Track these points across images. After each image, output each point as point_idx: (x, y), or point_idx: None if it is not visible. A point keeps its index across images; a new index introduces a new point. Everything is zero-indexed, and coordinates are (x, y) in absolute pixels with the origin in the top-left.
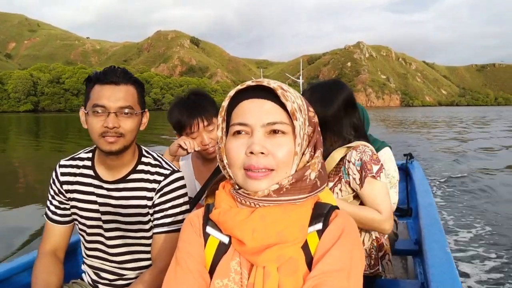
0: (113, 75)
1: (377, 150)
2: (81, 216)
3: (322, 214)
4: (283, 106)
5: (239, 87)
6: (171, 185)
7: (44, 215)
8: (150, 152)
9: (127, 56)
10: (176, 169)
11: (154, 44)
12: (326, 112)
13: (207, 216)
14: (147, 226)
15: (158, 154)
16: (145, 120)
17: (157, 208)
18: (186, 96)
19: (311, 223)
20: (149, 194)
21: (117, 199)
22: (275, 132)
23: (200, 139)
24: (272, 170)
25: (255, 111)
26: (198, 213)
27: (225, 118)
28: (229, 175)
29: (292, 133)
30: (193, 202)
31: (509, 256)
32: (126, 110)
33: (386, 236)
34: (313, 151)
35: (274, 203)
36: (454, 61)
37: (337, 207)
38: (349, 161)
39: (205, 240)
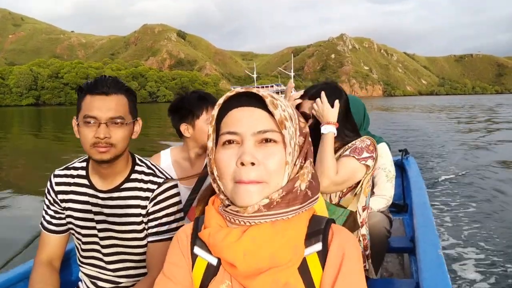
0: (104, 85)
1: None
2: (76, 225)
3: (319, 231)
4: (273, 115)
5: (228, 94)
6: (165, 193)
7: (40, 225)
8: (144, 160)
9: (114, 50)
10: (169, 177)
11: (141, 38)
12: None
13: (196, 233)
14: (141, 235)
15: (152, 163)
16: (137, 128)
17: (151, 217)
18: (191, 91)
19: (309, 242)
20: (142, 203)
21: (111, 208)
22: (266, 141)
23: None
24: (264, 182)
25: (245, 119)
26: (186, 230)
27: (215, 128)
28: (219, 188)
29: (283, 142)
30: (185, 208)
31: (500, 255)
32: (117, 120)
33: (368, 237)
34: (303, 161)
35: (265, 219)
36: (433, 52)
37: (333, 220)
38: (347, 146)
39: (192, 261)
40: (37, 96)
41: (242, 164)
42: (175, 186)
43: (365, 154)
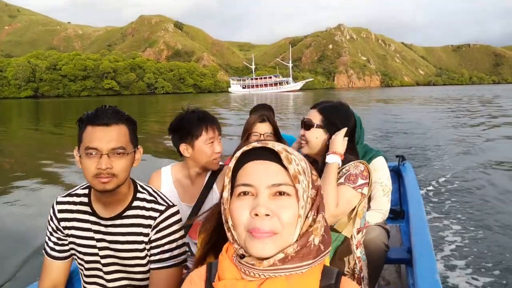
0: (104, 116)
1: (371, 158)
2: (79, 252)
3: (330, 285)
4: (287, 168)
5: (245, 148)
6: (167, 221)
7: (43, 251)
8: (145, 187)
9: (111, 41)
10: (171, 203)
11: (138, 29)
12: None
13: (210, 281)
14: (144, 261)
15: (154, 189)
16: (138, 156)
17: (153, 244)
18: (190, 111)
19: None
20: (145, 230)
21: (113, 235)
22: (280, 193)
23: (213, 147)
24: (277, 233)
25: (260, 173)
26: (200, 275)
27: (231, 179)
28: (233, 238)
29: (296, 196)
30: (187, 227)
31: (496, 268)
32: (118, 151)
33: (364, 257)
34: (315, 214)
35: (280, 273)
36: (431, 42)
37: (342, 273)
38: (341, 169)
39: None
40: (35, 88)
41: (256, 215)
42: (177, 212)
43: (360, 181)
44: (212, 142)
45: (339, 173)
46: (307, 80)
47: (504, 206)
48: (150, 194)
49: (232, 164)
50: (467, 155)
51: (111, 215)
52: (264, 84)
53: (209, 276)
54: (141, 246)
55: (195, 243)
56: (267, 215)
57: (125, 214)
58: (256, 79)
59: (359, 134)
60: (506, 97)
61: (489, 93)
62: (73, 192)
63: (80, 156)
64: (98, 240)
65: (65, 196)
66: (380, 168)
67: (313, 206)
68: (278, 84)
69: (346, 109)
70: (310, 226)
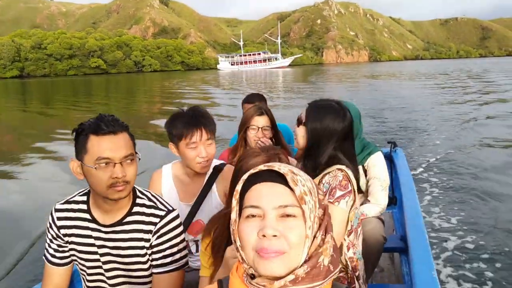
0: (108, 124)
1: (370, 154)
2: (80, 258)
3: None
4: (293, 189)
5: (252, 171)
6: (167, 226)
7: (44, 257)
8: (144, 192)
9: (95, 19)
10: (171, 208)
11: (123, 5)
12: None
13: None
14: (146, 266)
15: (153, 194)
16: (137, 163)
17: (155, 249)
18: (187, 110)
19: None
20: (146, 236)
21: (115, 241)
22: (287, 215)
23: (197, 151)
24: (285, 252)
25: (267, 194)
26: None
27: (238, 200)
28: (242, 258)
29: (303, 216)
30: (185, 225)
31: (490, 252)
32: (129, 158)
33: (359, 256)
34: (324, 234)
35: None
36: (419, 16)
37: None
38: (321, 182)
39: None
40: (21, 68)
41: (264, 236)
42: (177, 217)
43: (338, 193)
44: (196, 146)
45: (319, 183)
46: (296, 56)
47: (496, 187)
48: (149, 199)
49: (239, 186)
50: (457, 134)
51: (111, 222)
52: (253, 61)
53: None
54: (142, 252)
55: (194, 240)
56: (275, 236)
57: (125, 220)
58: (245, 55)
59: (357, 128)
60: (494, 72)
61: (477, 67)
62: (71, 199)
63: (84, 166)
64: (99, 247)
65: (63, 203)
66: (378, 164)
67: (321, 226)
68: (267, 61)
69: (334, 110)
70: (319, 246)
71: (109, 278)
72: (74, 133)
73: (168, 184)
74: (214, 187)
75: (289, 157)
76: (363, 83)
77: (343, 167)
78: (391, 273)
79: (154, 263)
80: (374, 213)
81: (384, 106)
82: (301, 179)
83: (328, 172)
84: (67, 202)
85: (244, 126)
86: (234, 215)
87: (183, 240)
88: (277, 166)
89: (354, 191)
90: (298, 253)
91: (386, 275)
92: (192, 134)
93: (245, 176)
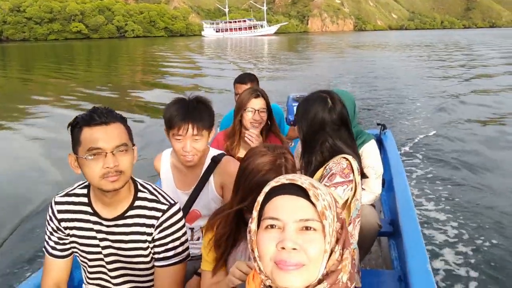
0: (101, 115)
1: (363, 143)
2: (82, 251)
3: None
4: (314, 204)
5: (273, 184)
6: (170, 220)
7: (44, 249)
8: (145, 185)
9: None
10: (173, 202)
11: None
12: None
13: None
14: (148, 259)
15: (154, 187)
16: (135, 153)
17: (157, 243)
18: (188, 98)
19: None
20: (148, 230)
21: (116, 235)
22: (306, 228)
23: (182, 144)
24: (304, 265)
25: (288, 207)
26: None
27: (259, 212)
28: (259, 268)
29: (322, 231)
30: (184, 213)
31: (479, 233)
32: (122, 148)
33: (358, 250)
34: (342, 249)
35: None
36: None
37: None
38: (324, 168)
39: None
40: None
41: (283, 248)
42: (179, 210)
43: (337, 179)
44: (181, 139)
45: (323, 170)
46: (281, 24)
47: (484, 163)
48: (151, 193)
49: (261, 198)
50: (443, 110)
51: (113, 216)
52: (238, 28)
53: None
54: (144, 245)
55: (190, 228)
56: (294, 249)
57: (127, 214)
58: (230, 22)
59: (352, 116)
60: (479, 44)
61: (462, 39)
62: (71, 192)
63: (78, 159)
64: (101, 240)
65: (63, 196)
66: (372, 153)
67: (339, 241)
68: (252, 28)
69: (321, 100)
70: (338, 261)
71: (111, 270)
72: (70, 127)
73: (165, 170)
74: (211, 178)
75: (282, 137)
76: (349, 54)
77: (349, 157)
78: (378, 256)
79: (156, 256)
80: (368, 201)
81: (369, 81)
82: (321, 193)
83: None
84: (67, 194)
85: (241, 109)
86: (254, 226)
87: (185, 233)
88: (299, 180)
89: (356, 182)
90: (317, 267)
91: (374, 257)
92: (179, 127)
93: (266, 189)
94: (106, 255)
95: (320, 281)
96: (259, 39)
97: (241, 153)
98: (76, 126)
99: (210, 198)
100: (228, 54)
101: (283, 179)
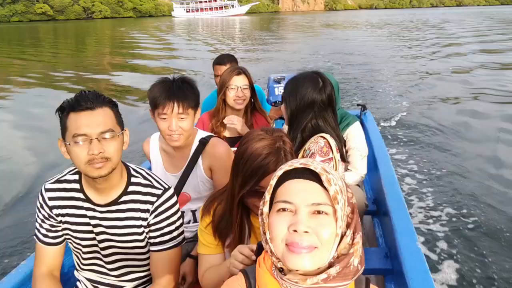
0: (87, 100)
1: (348, 125)
2: (75, 237)
3: None
4: (327, 189)
5: (287, 167)
6: (165, 205)
7: (35, 237)
8: (138, 170)
9: None
10: (167, 186)
11: None
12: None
13: None
14: (143, 243)
15: (147, 171)
16: (126, 138)
17: (152, 228)
18: (173, 78)
19: None
20: (143, 215)
21: (110, 221)
22: (319, 212)
23: (168, 123)
24: (316, 248)
25: (301, 191)
26: (240, 284)
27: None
28: (271, 250)
29: (334, 215)
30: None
31: (458, 206)
32: (108, 134)
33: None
34: (354, 234)
35: None
36: None
37: (369, 280)
38: (304, 149)
39: None
40: None
41: (295, 231)
42: (173, 194)
43: (318, 159)
44: (166, 118)
45: (303, 152)
46: (252, 4)
47: (460, 139)
48: (145, 178)
49: (273, 181)
50: (417, 89)
51: (107, 202)
52: (209, 8)
53: (249, 286)
54: (139, 230)
55: (181, 212)
56: (306, 232)
57: (121, 200)
58: (201, 2)
59: (336, 98)
60: (450, 22)
61: (433, 18)
62: (62, 178)
63: (66, 145)
64: (95, 226)
65: (53, 183)
66: (357, 134)
67: (351, 225)
68: (223, 8)
69: (311, 80)
70: (349, 245)
71: (106, 256)
72: (57, 113)
73: (155, 153)
74: (199, 160)
75: (266, 115)
76: (323, 33)
77: (325, 135)
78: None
79: (152, 241)
80: (354, 181)
81: (345, 61)
82: (333, 178)
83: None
84: (58, 181)
85: (223, 87)
86: (266, 208)
87: (180, 217)
88: (312, 165)
89: (335, 160)
90: (328, 250)
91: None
92: (164, 106)
93: (279, 172)
94: (100, 241)
95: (331, 265)
96: (231, 19)
97: (227, 132)
98: (63, 112)
99: (199, 180)
100: (201, 35)
101: (296, 163)
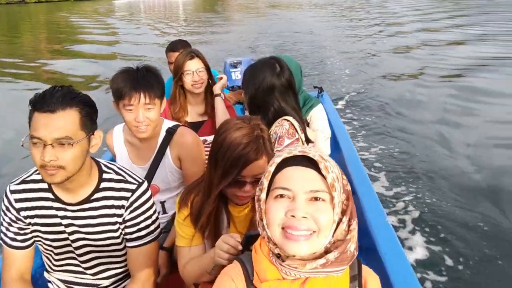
0: (51, 100)
1: (312, 107)
2: (46, 239)
3: (355, 276)
4: (325, 177)
5: (286, 155)
6: (140, 199)
7: (1, 242)
8: (110, 166)
9: None
10: (141, 180)
11: None
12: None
13: (249, 280)
14: (118, 240)
15: (119, 166)
16: (95, 141)
17: (128, 224)
18: (136, 67)
19: (351, 285)
20: (118, 211)
21: (83, 219)
22: (316, 199)
23: (135, 114)
24: (314, 232)
25: (299, 178)
26: (238, 272)
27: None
28: (268, 236)
29: (331, 202)
30: None
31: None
32: (63, 141)
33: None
34: (350, 221)
35: (320, 275)
36: None
37: (360, 261)
38: (269, 133)
39: None
40: None
41: (293, 216)
42: (148, 188)
43: (286, 141)
44: (133, 109)
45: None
46: None
47: (412, 116)
48: (117, 173)
49: (272, 168)
50: (366, 68)
51: (78, 200)
52: None
53: (247, 274)
54: (115, 227)
55: None
56: (304, 217)
57: (93, 197)
58: None
59: (299, 81)
60: (391, 2)
61: None
62: (28, 178)
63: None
64: (67, 226)
65: (19, 184)
66: (320, 116)
67: (346, 212)
68: None
69: (269, 66)
70: (346, 232)
71: (80, 255)
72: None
73: (119, 145)
74: (167, 150)
75: (226, 98)
76: (268, 14)
77: (288, 117)
78: None
79: (128, 237)
80: None
81: (293, 42)
82: (330, 166)
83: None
84: (24, 182)
85: (178, 73)
86: (264, 195)
87: (155, 210)
88: (311, 153)
89: (302, 140)
90: (325, 235)
91: None
92: (130, 97)
93: (278, 160)
94: (73, 241)
95: (327, 250)
96: (173, 1)
97: (189, 117)
98: (31, 107)
99: (168, 171)
100: (145, 18)
101: (295, 150)
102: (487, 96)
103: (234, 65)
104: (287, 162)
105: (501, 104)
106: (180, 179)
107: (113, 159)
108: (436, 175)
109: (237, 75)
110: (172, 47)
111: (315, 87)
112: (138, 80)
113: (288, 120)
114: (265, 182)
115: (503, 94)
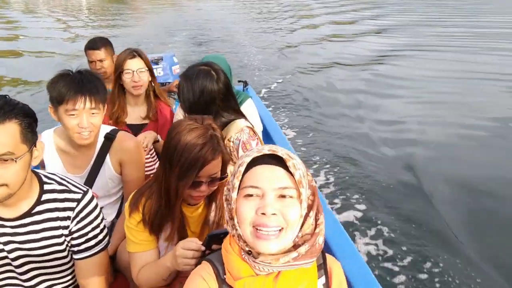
0: None
1: (241, 102)
2: None
3: (321, 266)
4: (290, 172)
5: (256, 154)
6: (87, 209)
7: None
8: (51, 176)
9: None
10: (86, 189)
11: None
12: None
13: (221, 278)
14: (64, 253)
15: (61, 176)
16: (37, 153)
17: (76, 235)
18: (79, 71)
19: (319, 274)
20: (63, 223)
21: (24, 235)
22: (284, 196)
23: (78, 120)
24: (282, 229)
25: (267, 176)
26: (209, 271)
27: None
28: (238, 234)
29: (299, 198)
30: None
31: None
32: (5, 157)
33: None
34: (317, 215)
35: (291, 267)
36: None
37: (324, 251)
38: (228, 140)
39: None
40: None
41: (263, 214)
42: (93, 196)
43: (253, 143)
44: (76, 115)
45: (229, 141)
46: None
47: (332, 105)
48: (59, 183)
49: (243, 168)
50: (283, 60)
51: (17, 215)
52: None
53: (218, 273)
54: (60, 240)
55: None
56: (274, 214)
57: (34, 211)
58: None
59: (230, 79)
60: None
61: None
62: None
63: None
64: (5, 243)
65: None
66: (251, 112)
67: (313, 207)
68: None
69: (205, 74)
70: (314, 226)
71: (22, 273)
72: None
73: (50, 153)
74: (107, 159)
75: (168, 101)
76: (176, 4)
77: (246, 122)
78: None
79: (76, 248)
80: None
81: (208, 35)
82: (297, 163)
83: (233, 132)
84: None
85: (117, 71)
86: (235, 194)
87: (103, 218)
88: (280, 152)
89: (260, 139)
90: (293, 231)
91: None
92: (75, 101)
93: (247, 159)
94: (13, 259)
95: (296, 245)
96: None
97: (128, 118)
98: None
99: (108, 178)
100: (44, 9)
101: (264, 150)
102: (399, 80)
103: (156, 62)
104: (255, 162)
105: (410, 88)
106: (119, 185)
107: (39, 168)
108: (353, 158)
109: (159, 71)
110: (92, 45)
111: (239, 81)
112: (84, 84)
113: (248, 126)
114: (236, 182)
115: (412, 79)
